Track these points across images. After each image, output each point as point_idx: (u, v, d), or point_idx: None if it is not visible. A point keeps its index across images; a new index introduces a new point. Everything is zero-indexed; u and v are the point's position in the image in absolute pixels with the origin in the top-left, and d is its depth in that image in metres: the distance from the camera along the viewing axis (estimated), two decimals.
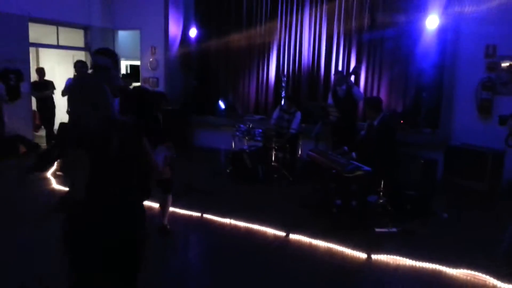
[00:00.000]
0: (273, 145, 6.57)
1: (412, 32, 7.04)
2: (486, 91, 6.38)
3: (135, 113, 3.07)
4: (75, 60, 7.09)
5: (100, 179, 2.04)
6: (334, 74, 7.13)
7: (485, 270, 3.56)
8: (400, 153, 5.58)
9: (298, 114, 6.72)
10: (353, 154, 4.94)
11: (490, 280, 3.47)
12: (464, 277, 3.57)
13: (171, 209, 4.47)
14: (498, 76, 6.32)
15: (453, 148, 6.24)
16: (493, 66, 6.34)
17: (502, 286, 3.39)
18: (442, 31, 6.75)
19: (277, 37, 8.52)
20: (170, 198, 4.25)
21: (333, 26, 7.86)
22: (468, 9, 6.41)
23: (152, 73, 9.41)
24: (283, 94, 7.75)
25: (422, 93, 6.98)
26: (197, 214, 4.85)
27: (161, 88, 9.17)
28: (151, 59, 9.37)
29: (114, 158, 2.06)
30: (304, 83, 8.29)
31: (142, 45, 9.50)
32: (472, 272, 3.57)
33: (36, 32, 8.62)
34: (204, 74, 9.38)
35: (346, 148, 5.09)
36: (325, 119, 6.36)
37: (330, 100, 6.64)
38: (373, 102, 5.30)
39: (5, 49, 7.54)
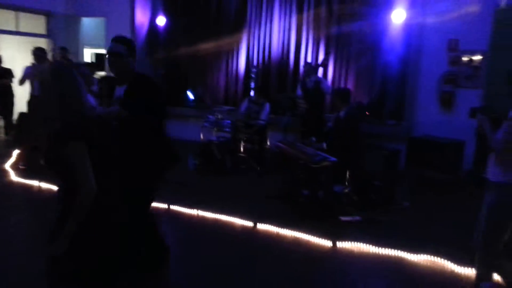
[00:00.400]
0: (242, 136, 6.55)
1: (378, 26, 7.17)
2: (448, 84, 6.60)
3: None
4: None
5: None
6: (303, 66, 7.19)
7: (444, 255, 3.71)
8: (365, 144, 5.71)
9: (267, 105, 6.73)
10: (323, 144, 5.02)
11: (448, 264, 3.62)
12: (425, 262, 3.71)
13: None
14: (460, 70, 6.55)
15: (416, 139, 6.44)
16: (456, 60, 6.57)
17: (459, 270, 3.55)
18: (407, 25, 6.91)
19: (246, 27, 8.47)
20: None
21: (303, 18, 7.89)
22: (431, 4, 6.59)
23: None
24: (252, 85, 7.74)
25: (387, 85, 7.15)
26: (164, 205, 4.79)
27: None
28: None
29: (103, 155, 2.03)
30: (273, 74, 8.30)
31: (108, 33, 9.20)
32: (432, 258, 3.72)
33: None
34: (172, 63, 9.23)
35: (314, 139, 5.16)
36: (293, 110, 6.40)
37: (299, 91, 6.69)
38: (341, 93, 5.39)
39: None
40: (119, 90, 2.94)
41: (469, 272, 3.48)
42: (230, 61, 8.76)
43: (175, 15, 9.03)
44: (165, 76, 9.11)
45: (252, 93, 7.45)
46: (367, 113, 6.84)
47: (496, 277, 3.10)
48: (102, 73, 9.23)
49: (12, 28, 8.65)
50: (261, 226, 4.37)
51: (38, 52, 6.20)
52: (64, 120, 2.00)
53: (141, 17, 9.00)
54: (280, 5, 8.11)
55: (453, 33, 6.52)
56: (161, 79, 9.13)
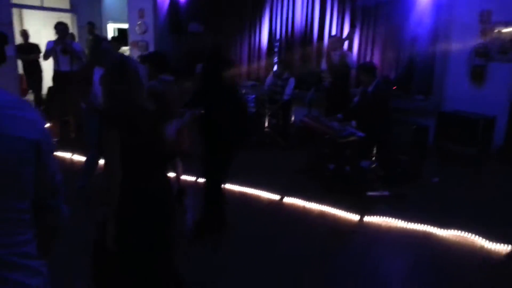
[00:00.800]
0: (266, 112, 6.52)
1: None
2: (479, 57, 6.37)
3: None
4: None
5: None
6: (328, 39, 7.03)
7: (474, 230, 3.67)
8: (392, 119, 5.61)
9: (292, 80, 6.66)
10: (353, 122, 4.96)
11: (479, 240, 3.59)
12: (454, 237, 3.68)
13: None
14: (493, 42, 6.30)
15: (445, 114, 6.28)
16: (488, 32, 6.31)
17: (489, 246, 3.51)
18: None
19: (269, 0, 8.33)
20: (180, 163, 4.35)
21: None
22: None
23: (141, 37, 9.16)
24: (275, 59, 7.64)
25: (415, 59, 6.95)
26: (192, 178, 4.86)
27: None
28: (139, 22, 9.11)
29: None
30: (297, 48, 8.17)
31: (130, 8, 9.18)
32: (461, 233, 3.69)
33: None
34: (195, 38, 9.17)
35: (340, 115, 5.09)
36: (318, 85, 6.31)
37: (323, 65, 6.58)
38: (367, 68, 5.26)
39: None
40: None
41: (499, 248, 3.44)
42: (252, 35, 8.64)
43: None
44: (188, 52, 9.08)
45: (275, 67, 7.36)
46: (394, 87, 6.69)
47: None
48: (125, 48, 9.28)
49: (37, 3, 8.72)
50: (287, 200, 4.40)
51: (60, 27, 6.21)
52: (110, 107, 2.09)
53: None
54: None
55: (485, 3, 6.25)
56: (185, 55, 9.13)
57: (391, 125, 5.31)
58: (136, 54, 8.78)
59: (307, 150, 5.56)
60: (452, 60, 6.62)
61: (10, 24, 7.81)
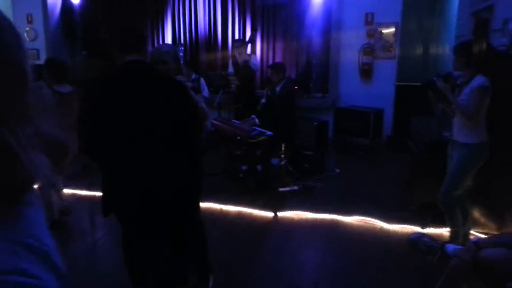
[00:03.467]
0: None
1: (301, 0, 7.41)
2: (367, 56, 7.07)
3: None
4: None
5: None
6: (233, 43, 7.22)
7: (374, 215, 4.12)
8: (296, 117, 6.00)
9: (203, 80, 6.71)
10: (256, 120, 5.18)
11: (378, 223, 4.04)
12: (357, 223, 4.09)
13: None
14: (377, 42, 7.03)
15: (341, 109, 6.88)
16: (372, 33, 7.03)
17: (387, 227, 3.98)
18: (327, 1, 7.22)
19: (169, 4, 8.27)
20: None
21: None
22: None
23: (31, 44, 8.48)
24: (181, 62, 7.61)
25: (312, 60, 7.47)
26: None
27: (42, 60, 8.34)
28: (27, 29, 8.43)
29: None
30: (202, 52, 8.25)
31: (15, 13, 8.46)
32: (364, 218, 4.12)
33: None
34: (93, 43, 8.74)
35: (254, 116, 5.30)
36: (226, 87, 6.47)
37: (230, 68, 6.75)
38: (278, 67, 5.52)
39: None
40: None
41: (396, 228, 3.92)
42: (155, 38, 8.51)
43: None
44: (87, 57, 8.62)
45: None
46: (295, 87, 7.12)
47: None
48: None
49: None
50: (203, 204, 4.47)
51: None
52: None
53: None
54: None
55: (369, 6, 6.94)
56: (82, 60, 8.65)
57: (295, 122, 5.67)
58: None
59: (220, 152, 5.68)
60: (344, 59, 7.24)
61: None
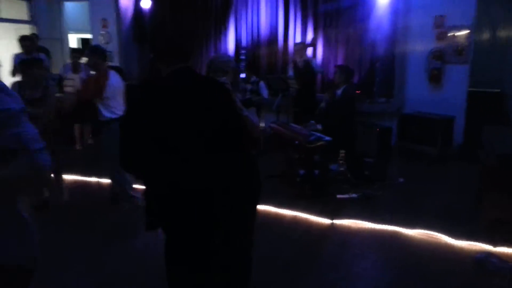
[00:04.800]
0: None
1: (365, 4, 7.19)
2: (436, 60, 6.68)
3: None
4: (18, 34, 6.63)
5: None
6: (293, 46, 7.18)
7: (439, 229, 3.85)
8: (357, 122, 5.81)
9: (262, 83, 6.77)
10: (318, 126, 5.10)
11: (443, 237, 3.77)
12: (420, 236, 3.85)
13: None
14: (447, 46, 6.63)
15: (406, 116, 6.56)
16: (442, 36, 6.64)
17: (454, 243, 3.70)
18: (394, 3, 6.93)
19: (233, 8, 8.40)
20: None
21: None
22: None
23: (105, 47, 9.00)
24: (242, 66, 7.72)
25: (376, 64, 7.21)
26: None
27: (116, 62, 8.85)
28: (102, 32, 8.97)
29: None
30: (263, 55, 8.28)
31: (92, 18, 9.04)
32: (427, 231, 3.86)
33: None
34: None
35: (313, 121, 5.24)
36: (285, 91, 6.44)
37: (290, 72, 6.71)
38: (346, 69, 5.39)
39: None
40: None
41: (463, 244, 3.63)
42: (218, 43, 8.69)
43: None
44: (154, 60, 9.00)
45: (243, 75, 7.44)
46: (357, 91, 6.92)
47: None
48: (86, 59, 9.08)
49: None
50: (260, 206, 4.44)
51: (25, 43, 5.95)
52: None
53: (125, 0, 8.83)
54: None
55: (439, 9, 6.57)
56: (150, 63, 9.05)
57: (356, 128, 5.49)
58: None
59: (277, 156, 5.65)
60: (411, 64, 6.91)
61: None
